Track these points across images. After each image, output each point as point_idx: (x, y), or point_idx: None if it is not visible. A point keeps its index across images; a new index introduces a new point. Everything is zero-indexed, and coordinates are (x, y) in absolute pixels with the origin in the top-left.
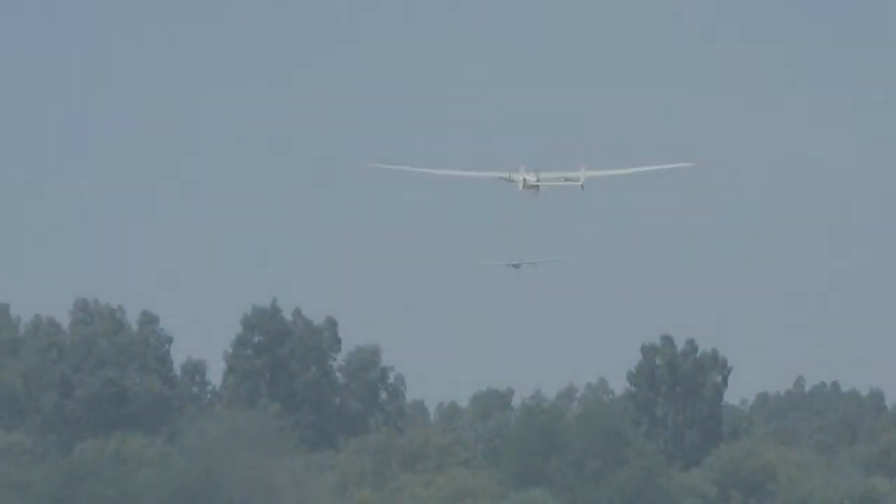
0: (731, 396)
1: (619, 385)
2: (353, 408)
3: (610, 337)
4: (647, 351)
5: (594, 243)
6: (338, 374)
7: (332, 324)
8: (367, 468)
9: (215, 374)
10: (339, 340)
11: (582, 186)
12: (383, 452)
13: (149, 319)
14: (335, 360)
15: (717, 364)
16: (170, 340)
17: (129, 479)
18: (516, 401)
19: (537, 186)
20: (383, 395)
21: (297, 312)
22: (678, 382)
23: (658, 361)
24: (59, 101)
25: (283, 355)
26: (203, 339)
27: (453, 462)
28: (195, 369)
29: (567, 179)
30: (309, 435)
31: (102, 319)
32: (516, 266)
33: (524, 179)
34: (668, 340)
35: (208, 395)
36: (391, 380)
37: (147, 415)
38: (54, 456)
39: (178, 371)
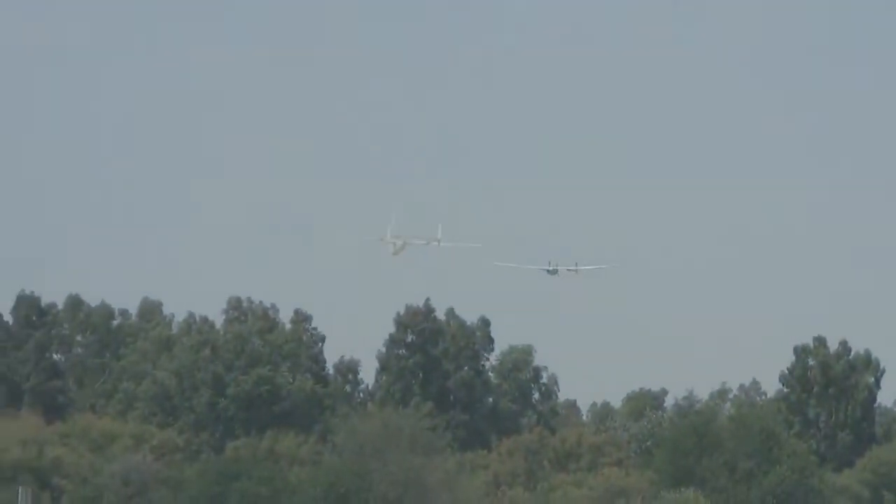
0: (885, 398)
1: (772, 386)
2: (505, 407)
3: (763, 338)
4: (800, 352)
5: (751, 244)
6: (490, 373)
7: (485, 323)
8: (520, 467)
9: (368, 373)
10: (492, 340)
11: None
12: (535, 452)
13: (302, 318)
14: (488, 359)
15: (870, 365)
16: (323, 339)
17: (281, 478)
18: (669, 401)
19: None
20: (536, 394)
21: (451, 312)
22: (831, 384)
23: (811, 363)
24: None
25: (435, 355)
26: (356, 337)
27: (606, 462)
28: (348, 368)
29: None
30: (461, 434)
31: (255, 318)
32: (552, 272)
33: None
34: (820, 341)
35: (361, 394)
36: (544, 379)
37: (299, 413)
38: (207, 454)
39: (330, 370)
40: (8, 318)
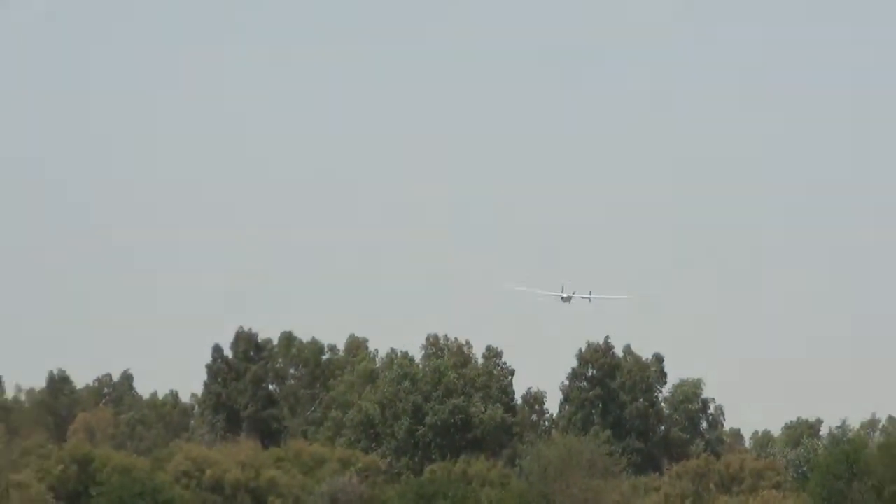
0: None
1: None
2: (676, 435)
3: None
4: None
5: None
6: (663, 404)
7: (658, 359)
8: (688, 490)
9: (552, 404)
10: (664, 374)
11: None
12: (702, 476)
13: (493, 354)
14: (661, 391)
15: None
16: (512, 373)
17: (473, 498)
18: (824, 430)
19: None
20: (704, 423)
21: (628, 348)
22: None
23: None
24: None
25: (613, 387)
26: (542, 372)
27: (766, 485)
28: (535, 399)
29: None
30: (636, 460)
31: (451, 353)
32: (566, 299)
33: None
34: None
35: (546, 423)
36: (711, 410)
37: (490, 440)
38: (407, 476)
39: (519, 400)
40: (228, 352)
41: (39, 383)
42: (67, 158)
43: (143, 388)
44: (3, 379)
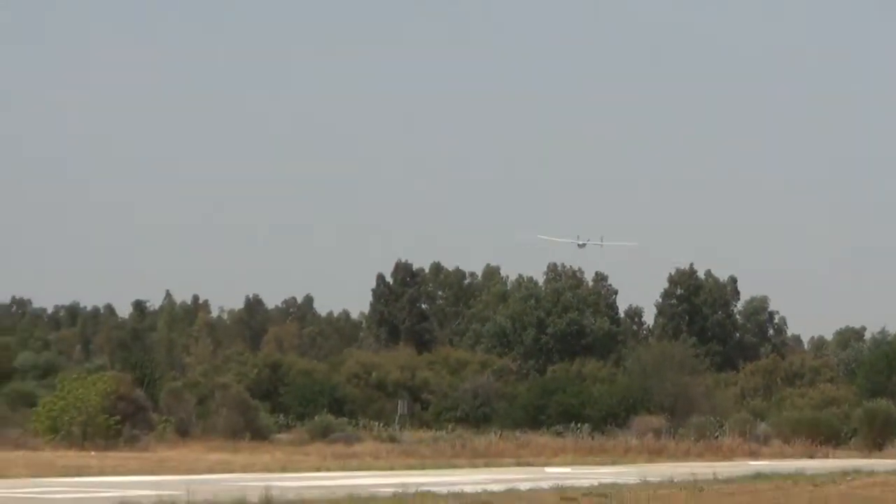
0: None
1: None
2: (748, 341)
3: None
4: None
5: None
6: (738, 316)
7: (733, 280)
8: (759, 384)
9: (649, 317)
10: (738, 292)
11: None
12: (770, 372)
13: (600, 277)
14: (735, 306)
15: None
16: (616, 292)
17: (587, 392)
18: (868, 334)
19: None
20: (770, 331)
21: (709, 272)
22: None
23: None
24: None
25: (697, 303)
26: (641, 291)
27: (821, 379)
28: (634, 313)
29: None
30: (716, 360)
31: (567, 277)
32: (581, 245)
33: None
34: None
35: (644, 332)
36: (776, 320)
37: (599, 346)
38: (533, 375)
39: (622, 314)
40: (389, 279)
41: (238, 304)
42: None
43: (322, 307)
44: (210, 302)
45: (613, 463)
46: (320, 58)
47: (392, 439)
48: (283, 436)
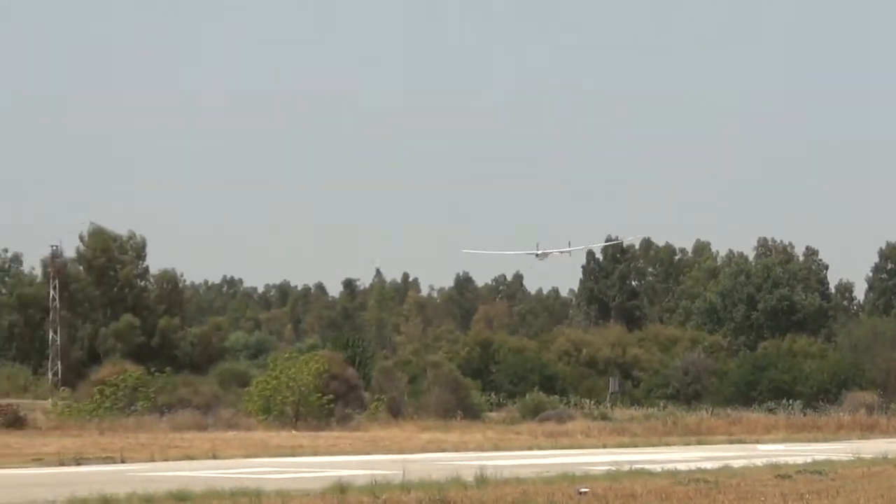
0: None
1: None
2: None
3: None
4: None
5: None
6: None
7: None
8: None
9: (859, 292)
10: None
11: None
12: None
13: (811, 252)
14: None
15: None
16: (826, 267)
17: (798, 367)
18: None
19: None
20: None
21: None
22: None
23: None
24: None
25: None
26: (852, 266)
27: None
28: (845, 288)
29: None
30: None
31: (777, 252)
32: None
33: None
34: None
35: (854, 307)
36: None
37: (810, 321)
38: (744, 352)
39: (832, 290)
40: (599, 256)
41: (448, 283)
42: None
43: (531, 285)
44: (419, 280)
45: (826, 440)
46: None
47: (603, 417)
48: (494, 414)
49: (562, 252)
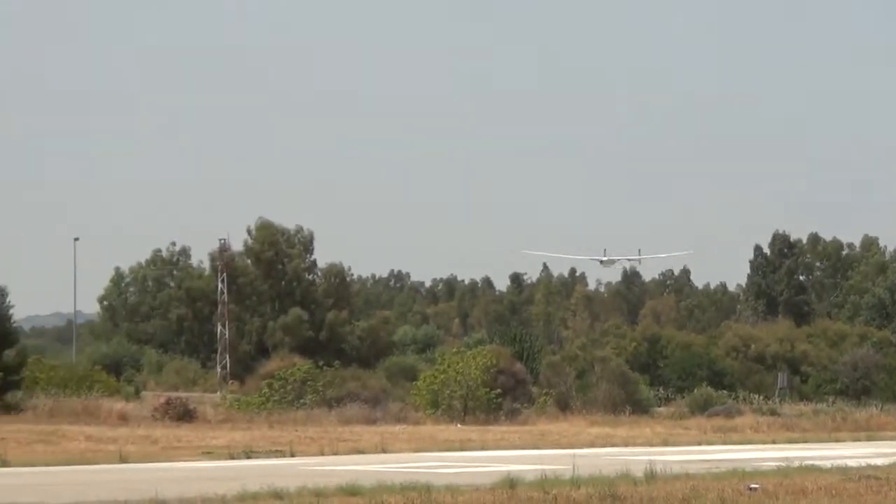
0: None
1: None
2: None
3: None
4: None
5: None
6: None
7: None
8: None
9: None
10: None
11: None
12: None
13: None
14: None
15: None
16: None
17: None
18: None
19: None
20: None
21: None
22: None
23: None
24: None
25: None
26: None
27: None
28: None
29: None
30: None
31: None
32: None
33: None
34: None
35: None
36: None
37: None
38: None
39: None
40: (767, 251)
41: (616, 277)
42: None
43: (699, 279)
44: (587, 274)
45: None
46: None
47: (772, 412)
48: (662, 409)
49: (630, 260)
